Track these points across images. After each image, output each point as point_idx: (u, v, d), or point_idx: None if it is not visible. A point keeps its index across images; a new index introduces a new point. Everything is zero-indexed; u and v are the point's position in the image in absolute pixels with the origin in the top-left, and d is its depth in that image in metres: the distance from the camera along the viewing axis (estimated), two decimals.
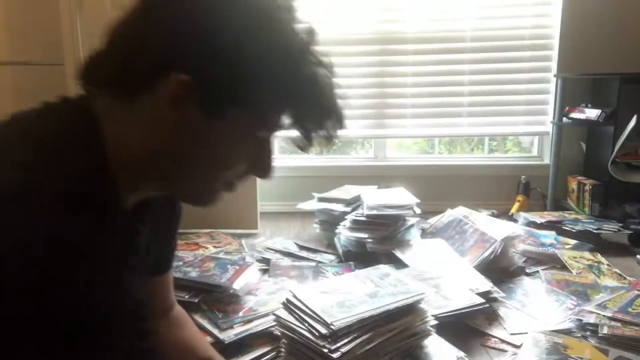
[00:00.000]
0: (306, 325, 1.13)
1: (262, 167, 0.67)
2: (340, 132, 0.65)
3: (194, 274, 1.57)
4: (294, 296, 1.22)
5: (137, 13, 0.61)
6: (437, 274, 1.60)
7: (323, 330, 1.09)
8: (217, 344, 1.28)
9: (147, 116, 0.60)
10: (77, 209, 0.52)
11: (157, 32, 0.58)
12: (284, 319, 1.19)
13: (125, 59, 0.60)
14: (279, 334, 1.23)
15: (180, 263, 1.68)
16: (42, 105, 0.63)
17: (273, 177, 0.68)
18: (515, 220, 2.36)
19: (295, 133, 0.64)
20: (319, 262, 1.92)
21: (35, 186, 0.51)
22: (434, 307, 1.36)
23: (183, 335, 0.95)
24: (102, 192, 0.58)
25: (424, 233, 2.10)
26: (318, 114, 0.62)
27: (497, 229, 1.89)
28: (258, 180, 2.44)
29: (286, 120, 0.63)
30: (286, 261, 1.90)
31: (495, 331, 1.40)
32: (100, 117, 0.61)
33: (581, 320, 1.40)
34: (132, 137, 0.61)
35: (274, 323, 1.26)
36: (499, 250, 1.78)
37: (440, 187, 2.79)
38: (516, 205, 2.62)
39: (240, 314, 1.40)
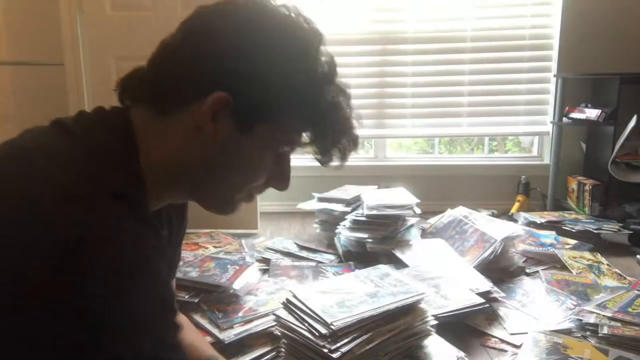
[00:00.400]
0: (306, 325, 1.13)
1: (282, 179, 0.75)
2: (353, 153, 0.75)
3: (194, 274, 1.57)
4: (294, 296, 1.22)
5: (179, 36, 0.68)
6: (437, 274, 1.60)
7: (323, 330, 1.09)
8: (217, 344, 1.28)
9: (184, 129, 0.66)
10: (127, 210, 0.58)
11: (197, 55, 0.65)
12: (284, 319, 1.19)
13: (169, 81, 0.66)
14: (279, 334, 1.23)
15: (180, 263, 1.68)
16: (91, 115, 0.69)
17: (288, 188, 0.76)
18: (515, 220, 2.36)
19: (314, 150, 0.73)
20: (319, 262, 1.92)
21: (91, 189, 0.57)
22: (434, 307, 1.36)
23: (185, 338, 0.96)
24: (139, 197, 0.63)
25: (424, 233, 2.10)
26: (337, 135, 0.71)
27: (497, 229, 1.89)
28: None
29: (306, 138, 0.71)
30: (286, 261, 1.90)
31: (495, 331, 1.40)
32: (137, 129, 0.67)
33: (581, 320, 1.40)
34: (166, 148, 0.67)
35: (274, 323, 1.26)
36: (499, 250, 1.78)
37: (440, 187, 2.79)
38: (516, 205, 2.62)
39: (240, 314, 1.40)
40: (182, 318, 1.01)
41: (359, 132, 0.74)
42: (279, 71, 0.64)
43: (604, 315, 1.38)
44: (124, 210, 0.57)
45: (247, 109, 0.65)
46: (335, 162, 0.75)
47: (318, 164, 0.77)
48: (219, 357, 0.96)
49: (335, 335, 1.08)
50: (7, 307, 0.50)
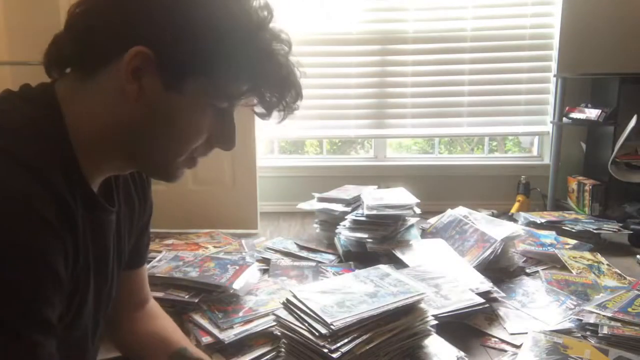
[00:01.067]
0: (306, 325, 1.13)
1: (225, 138, 0.69)
2: (296, 103, 0.69)
3: (194, 274, 1.57)
4: (294, 296, 1.22)
5: None
6: (437, 274, 1.60)
7: (323, 330, 1.09)
8: (217, 344, 1.28)
9: (108, 91, 0.61)
10: (37, 180, 0.54)
11: (115, 9, 0.60)
12: (284, 319, 1.19)
13: (85, 36, 0.61)
14: (279, 334, 1.23)
15: (180, 263, 1.68)
16: (4, 94, 0.65)
17: (234, 147, 0.70)
18: (515, 220, 2.36)
19: (253, 102, 0.67)
20: (319, 262, 1.92)
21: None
22: (434, 307, 1.36)
23: (158, 327, 0.94)
24: (62, 167, 0.59)
25: (424, 233, 2.10)
26: (275, 85, 0.65)
27: (497, 229, 1.90)
28: (258, 180, 2.46)
29: (245, 91, 0.65)
30: (286, 261, 1.90)
31: (495, 331, 1.40)
32: (61, 99, 0.63)
33: (581, 320, 1.40)
34: (93, 113, 0.62)
35: (274, 323, 1.26)
36: (499, 250, 1.78)
37: (440, 187, 2.79)
38: (516, 205, 2.62)
39: (240, 314, 1.40)
40: (156, 308, 0.98)
41: (301, 81, 0.68)
42: (204, 19, 0.60)
43: (604, 315, 1.38)
44: (25, 178, 0.53)
45: (173, 63, 0.60)
46: (276, 116, 0.69)
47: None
48: (191, 346, 0.93)
49: (335, 335, 1.08)
50: None
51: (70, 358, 0.66)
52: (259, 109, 0.68)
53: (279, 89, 0.66)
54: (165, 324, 0.97)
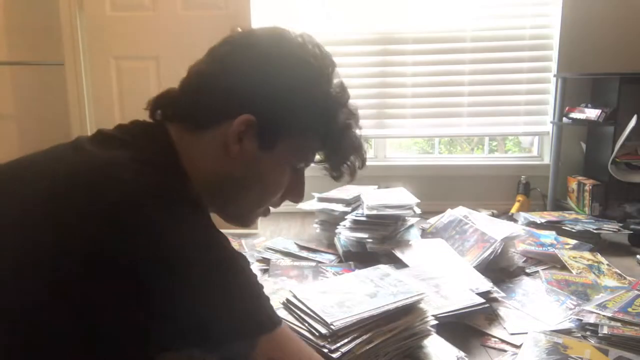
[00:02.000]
0: (306, 325, 1.13)
1: (297, 193, 0.82)
2: (361, 169, 0.83)
3: None
4: (294, 296, 1.22)
5: (208, 63, 0.76)
6: (437, 274, 1.60)
7: (323, 330, 1.09)
8: None
9: (214, 146, 0.74)
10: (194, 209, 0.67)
11: (231, 78, 0.73)
12: (284, 319, 1.19)
13: (198, 100, 0.74)
14: None
15: None
16: (132, 128, 0.76)
17: (302, 201, 0.84)
18: (515, 220, 2.36)
19: (326, 166, 0.81)
20: (319, 262, 1.92)
21: (164, 187, 0.66)
22: (434, 307, 1.36)
23: None
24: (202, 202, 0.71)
25: (424, 233, 2.10)
26: (346, 153, 0.79)
27: (497, 229, 1.89)
28: None
29: (320, 155, 0.80)
30: (286, 261, 1.90)
31: (495, 331, 1.40)
32: (174, 141, 0.74)
33: (581, 320, 1.40)
34: (200, 162, 0.74)
35: None
36: (499, 250, 1.78)
37: (440, 187, 2.79)
38: (516, 205, 2.62)
39: None
40: None
41: (365, 152, 0.82)
42: (297, 95, 0.73)
43: (604, 315, 1.38)
44: (197, 213, 0.67)
45: (270, 129, 0.73)
46: (345, 178, 0.82)
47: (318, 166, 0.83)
48: None
49: (335, 335, 1.08)
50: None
51: None
52: (330, 172, 0.82)
53: (350, 157, 0.80)
54: None
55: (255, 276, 0.72)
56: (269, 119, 0.72)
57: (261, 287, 0.72)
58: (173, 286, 0.61)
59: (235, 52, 0.75)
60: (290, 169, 0.78)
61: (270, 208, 0.83)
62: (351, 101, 0.79)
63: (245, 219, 0.83)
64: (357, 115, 0.79)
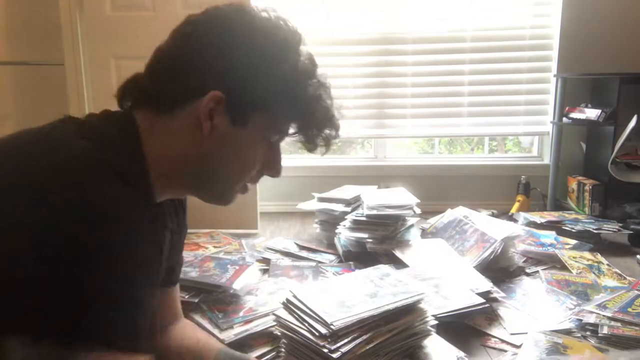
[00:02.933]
0: (306, 325, 1.13)
1: (274, 166, 0.80)
2: (336, 139, 0.81)
3: (194, 274, 1.57)
4: (294, 296, 1.22)
5: (172, 43, 0.75)
6: (437, 274, 1.60)
7: (323, 330, 1.09)
8: None
9: (184, 125, 0.72)
10: (126, 187, 0.63)
11: (197, 56, 0.72)
12: (284, 319, 1.19)
13: (169, 79, 0.73)
14: (279, 334, 1.23)
15: None
16: (98, 116, 0.75)
17: (280, 175, 0.82)
18: (515, 220, 2.36)
19: (301, 138, 0.79)
20: (319, 262, 1.92)
21: (93, 162, 0.62)
22: (434, 307, 1.36)
23: (191, 342, 1.01)
24: (143, 184, 0.69)
25: (424, 233, 2.10)
26: (319, 124, 0.78)
27: (497, 229, 1.89)
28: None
29: (296, 128, 0.78)
30: (286, 261, 1.90)
31: (495, 331, 1.40)
32: (141, 127, 0.73)
33: (581, 320, 1.40)
34: (169, 144, 0.73)
35: (274, 323, 1.26)
36: (499, 250, 1.78)
37: (440, 187, 2.79)
38: (516, 205, 2.62)
39: (240, 314, 1.40)
40: (190, 324, 1.07)
41: (340, 121, 0.81)
42: (265, 68, 0.72)
43: (604, 315, 1.38)
44: (119, 186, 0.62)
45: (240, 104, 0.72)
46: (320, 149, 0.81)
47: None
48: (229, 349, 1.01)
49: (335, 335, 1.08)
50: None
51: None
52: (304, 144, 0.80)
53: (324, 127, 0.78)
54: (199, 338, 1.04)
55: (130, 289, 0.60)
56: (238, 94, 0.71)
57: (128, 300, 0.60)
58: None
59: (199, 30, 0.74)
60: (265, 143, 0.77)
61: (249, 185, 0.82)
62: (321, 72, 0.78)
63: (224, 198, 0.80)
64: (327, 85, 0.79)
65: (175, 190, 0.79)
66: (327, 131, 0.79)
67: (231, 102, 0.71)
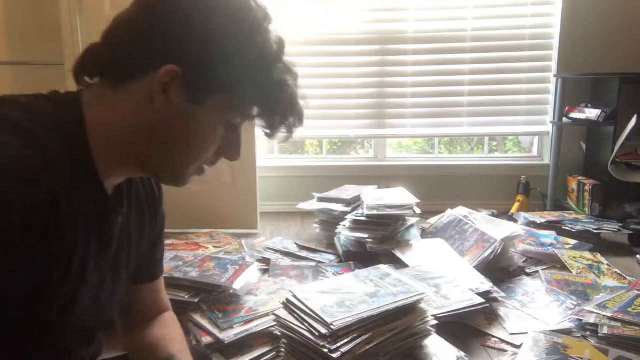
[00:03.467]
0: (306, 325, 1.13)
1: (232, 150, 0.76)
2: (298, 128, 0.76)
3: (194, 274, 1.57)
4: (294, 296, 1.22)
5: (133, 11, 0.69)
6: (437, 274, 1.60)
7: (323, 330, 1.09)
8: (217, 344, 1.28)
9: (137, 99, 0.68)
10: (38, 153, 0.59)
11: (155, 28, 0.67)
12: (284, 319, 1.19)
13: (125, 49, 0.68)
14: (279, 334, 1.23)
15: (180, 263, 1.68)
16: (34, 96, 0.70)
17: (239, 159, 0.78)
18: (515, 220, 2.36)
19: (262, 123, 0.75)
20: (319, 262, 1.92)
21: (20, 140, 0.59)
22: (434, 307, 1.36)
23: (156, 335, 0.94)
24: (73, 160, 0.63)
25: (424, 233, 2.10)
26: (282, 111, 0.73)
27: (497, 229, 1.90)
28: (258, 180, 2.46)
29: (257, 113, 0.73)
30: (286, 261, 1.90)
31: (495, 331, 1.40)
32: (85, 103, 0.68)
33: (581, 320, 1.40)
34: (117, 118, 0.68)
35: (274, 323, 1.26)
36: (499, 250, 1.78)
37: (440, 187, 2.79)
38: (516, 205, 2.62)
39: (241, 314, 1.40)
40: (168, 318, 0.99)
41: (305, 109, 0.76)
42: (230, 47, 0.67)
43: (604, 315, 1.38)
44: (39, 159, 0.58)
45: (198, 82, 0.67)
46: (281, 136, 0.77)
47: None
48: (184, 355, 0.91)
49: (335, 335, 1.08)
50: None
51: (73, 346, 0.71)
52: (265, 129, 0.75)
53: (286, 114, 0.74)
54: (165, 332, 0.96)
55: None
56: (196, 71, 0.67)
57: None
58: None
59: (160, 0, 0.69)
60: (224, 124, 0.73)
61: (207, 168, 0.76)
62: (290, 55, 0.74)
63: (177, 179, 0.75)
64: (294, 72, 0.74)
65: (126, 168, 0.74)
66: (290, 119, 0.74)
67: (188, 79, 0.67)
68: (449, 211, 2.17)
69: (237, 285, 1.52)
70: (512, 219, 2.45)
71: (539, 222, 2.29)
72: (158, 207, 0.90)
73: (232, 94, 0.69)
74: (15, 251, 0.58)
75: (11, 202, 0.56)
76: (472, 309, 1.42)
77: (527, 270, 1.82)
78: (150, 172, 0.76)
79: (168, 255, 1.81)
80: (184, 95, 0.67)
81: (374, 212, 1.94)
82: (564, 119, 2.59)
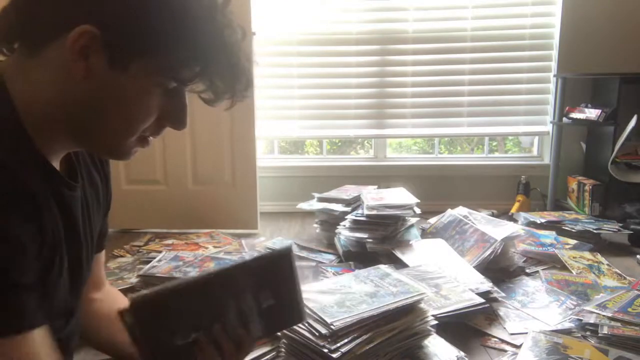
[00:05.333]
0: (306, 325, 1.13)
1: (175, 118, 0.68)
2: (244, 93, 0.68)
3: (194, 274, 1.57)
4: None
5: None
6: (437, 274, 1.60)
7: (323, 330, 1.09)
8: None
9: (54, 68, 0.61)
10: None
11: None
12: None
13: (31, 10, 0.60)
14: (279, 334, 1.23)
15: (180, 263, 1.68)
16: None
17: (185, 127, 0.70)
18: (515, 220, 2.36)
19: (200, 87, 0.66)
20: (319, 262, 1.92)
21: None
22: (434, 307, 1.36)
23: (115, 307, 0.94)
24: (11, 142, 0.59)
25: (424, 233, 2.10)
26: (224, 72, 0.64)
27: (497, 229, 1.90)
28: (258, 180, 2.46)
29: (194, 74, 0.64)
30: None
31: (495, 331, 1.40)
32: (6, 76, 0.62)
33: (581, 320, 1.40)
34: (39, 90, 0.62)
35: None
36: (499, 250, 1.78)
37: (440, 187, 2.79)
38: (516, 205, 2.62)
39: None
40: (115, 291, 0.98)
41: (252, 73, 0.68)
42: (152, 1, 0.59)
43: (604, 315, 1.38)
44: None
45: (119, 43, 0.59)
46: (222, 103, 0.69)
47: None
48: None
49: (335, 335, 1.08)
50: None
51: (54, 333, 0.69)
52: (207, 95, 0.67)
53: (229, 75, 0.65)
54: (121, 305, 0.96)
55: (17, 258, 0.56)
56: (115, 31, 0.58)
57: (20, 276, 0.56)
58: None
59: None
60: (160, 90, 0.64)
61: (151, 139, 0.69)
62: (228, 11, 0.65)
63: (116, 152, 0.68)
64: (236, 28, 0.65)
65: (66, 143, 0.68)
66: (233, 83, 0.66)
67: (107, 40, 0.58)
68: (449, 211, 2.17)
69: None
70: (512, 219, 2.45)
71: (539, 222, 2.29)
72: (107, 172, 0.84)
73: (159, 56, 0.61)
74: (31, 259, 0.57)
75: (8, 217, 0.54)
76: (472, 309, 1.42)
77: (527, 270, 1.82)
78: (87, 147, 0.71)
79: (168, 255, 1.81)
80: (106, 61, 0.59)
81: (374, 212, 1.94)
82: (564, 119, 2.59)
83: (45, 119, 0.63)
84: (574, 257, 1.88)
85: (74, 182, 0.71)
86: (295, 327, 1.15)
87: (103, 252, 0.94)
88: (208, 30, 0.62)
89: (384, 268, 1.41)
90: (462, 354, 1.24)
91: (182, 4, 0.60)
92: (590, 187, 2.49)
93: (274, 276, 0.78)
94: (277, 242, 2.15)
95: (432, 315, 1.25)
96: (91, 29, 0.58)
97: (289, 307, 0.81)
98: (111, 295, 0.97)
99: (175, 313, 0.69)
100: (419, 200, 2.05)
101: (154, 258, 1.78)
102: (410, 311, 1.20)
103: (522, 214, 2.41)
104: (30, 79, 0.62)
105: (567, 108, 2.59)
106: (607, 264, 1.87)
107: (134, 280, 1.65)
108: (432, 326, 1.23)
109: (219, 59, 0.63)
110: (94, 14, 0.58)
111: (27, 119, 0.61)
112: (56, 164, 0.68)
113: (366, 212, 1.96)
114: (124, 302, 0.96)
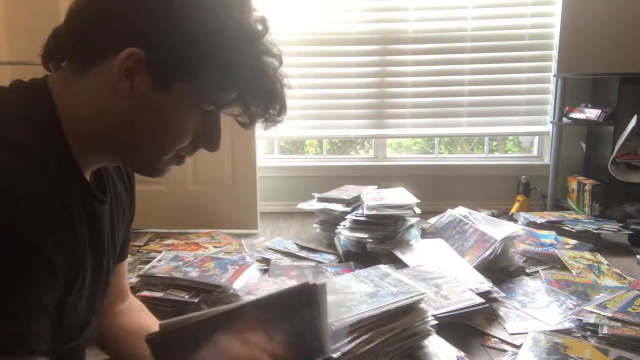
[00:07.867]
0: None
1: (210, 139, 0.71)
2: (279, 118, 0.70)
3: (194, 274, 1.57)
4: None
5: None
6: (437, 274, 1.60)
7: None
8: None
9: (101, 86, 0.64)
10: (33, 164, 0.56)
11: (115, 8, 0.62)
12: None
13: (83, 33, 0.64)
14: None
15: (180, 263, 1.68)
16: (6, 88, 0.68)
17: (218, 149, 0.73)
18: (515, 220, 2.36)
19: (238, 111, 0.69)
20: (319, 262, 1.92)
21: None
22: (434, 307, 1.36)
23: (140, 323, 0.93)
24: (56, 155, 0.61)
25: (424, 233, 2.10)
26: (261, 97, 0.67)
27: (497, 229, 1.89)
28: (258, 180, 2.46)
29: (231, 99, 0.67)
30: (286, 261, 1.90)
31: (495, 331, 1.40)
32: (54, 93, 0.65)
33: (581, 320, 1.40)
34: (85, 106, 0.65)
35: None
36: (499, 250, 1.78)
37: (440, 187, 2.79)
38: (516, 205, 2.62)
39: None
40: (139, 304, 0.98)
41: (287, 100, 0.70)
42: (197, 26, 0.62)
43: (604, 315, 1.38)
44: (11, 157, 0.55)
45: (162, 66, 0.62)
46: (259, 125, 0.71)
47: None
48: None
49: (335, 335, 1.08)
50: None
51: (68, 343, 0.69)
52: (242, 118, 0.70)
53: (264, 101, 0.67)
54: (149, 320, 0.96)
55: (38, 287, 0.55)
56: (161, 54, 0.61)
57: (37, 304, 0.54)
58: None
59: None
60: (197, 111, 0.67)
61: (185, 157, 0.72)
62: (272, 39, 0.68)
63: (151, 169, 0.71)
64: (277, 55, 0.67)
65: (103, 158, 0.71)
66: (268, 107, 0.68)
67: (152, 63, 0.61)
68: (449, 211, 2.17)
69: (237, 285, 1.52)
70: (512, 219, 2.45)
71: (539, 222, 2.29)
72: (132, 184, 0.86)
73: (199, 79, 0.64)
74: (57, 269, 0.56)
75: (37, 224, 0.54)
76: (472, 309, 1.42)
77: (527, 270, 1.82)
78: (124, 162, 0.74)
79: (168, 255, 1.81)
80: (150, 82, 0.63)
81: (374, 212, 1.94)
82: (564, 119, 2.59)
83: (86, 133, 0.65)
84: (574, 257, 1.88)
85: (104, 195, 0.73)
86: None
87: (125, 262, 0.95)
88: (247, 57, 0.65)
89: (384, 268, 1.41)
90: (462, 354, 1.24)
91: (224, 33, 0.63)
92: (590, 187, 2.49)
93: (302, 309, 0.78)
94: (277, 242, 2.15)
95: (432, 315, 1.25)
96: (138, 52, 0.61)
97: (315, 340, 0.81)
98: (135, 309, 0.97)
99: (202, 343, 0.69)
100: (419, 200, 2.05)
101: (154, 258, 1.78)
102: (410, 311, 1.20)
103: (522, 214, 2.41)
104: (76, 94, 0.65)
105: (567, 108, 2.59)
106: (607, 264, 1.87)
107: (134, 280, 1.65)
108: (432, 326, 1.23)
109: (255, 85, 0.66)
110: (142, 37, 0.61)
111: (69, 131, 0.64)
112: (88, 176, 0.71)
113: (366, 212, 1.96)
114: (147, 316, 0.98)
